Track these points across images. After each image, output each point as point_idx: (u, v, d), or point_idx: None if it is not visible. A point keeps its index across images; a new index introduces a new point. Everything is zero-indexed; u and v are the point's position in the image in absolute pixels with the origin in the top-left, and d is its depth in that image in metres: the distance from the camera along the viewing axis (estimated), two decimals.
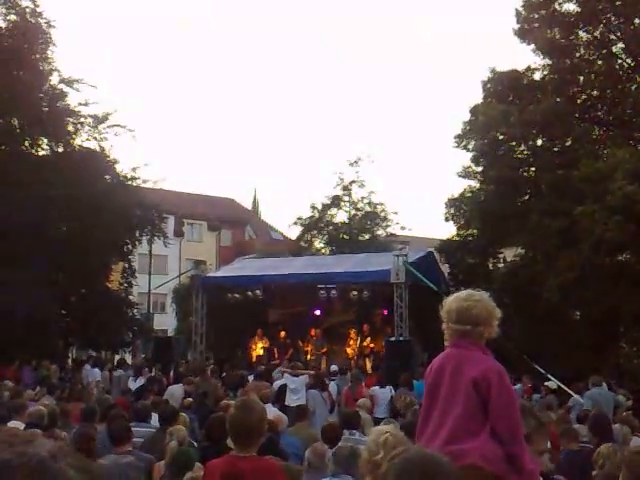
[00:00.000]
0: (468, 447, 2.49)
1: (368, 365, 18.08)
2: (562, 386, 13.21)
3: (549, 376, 13.65)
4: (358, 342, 19.03)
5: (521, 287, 17.44)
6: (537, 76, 20.53)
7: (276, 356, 18.83)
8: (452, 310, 2.77)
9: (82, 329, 19.84)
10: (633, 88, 19.99)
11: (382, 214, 32.26)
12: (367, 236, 31.95)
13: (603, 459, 5.25)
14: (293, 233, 34.34)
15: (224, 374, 15.18)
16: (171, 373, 15.58)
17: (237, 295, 19.38)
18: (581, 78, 19.97)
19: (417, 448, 1.87)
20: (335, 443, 5.35)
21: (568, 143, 19.64)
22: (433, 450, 2.34)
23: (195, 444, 6.29)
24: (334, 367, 15.35)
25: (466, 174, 21.54)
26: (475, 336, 2.70)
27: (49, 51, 19.83)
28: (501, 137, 19.54)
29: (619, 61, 20.14)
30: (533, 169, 20.03)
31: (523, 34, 19.92)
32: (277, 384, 12.23)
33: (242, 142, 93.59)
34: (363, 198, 32.12)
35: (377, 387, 12.38)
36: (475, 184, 21.46)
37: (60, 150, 20.17)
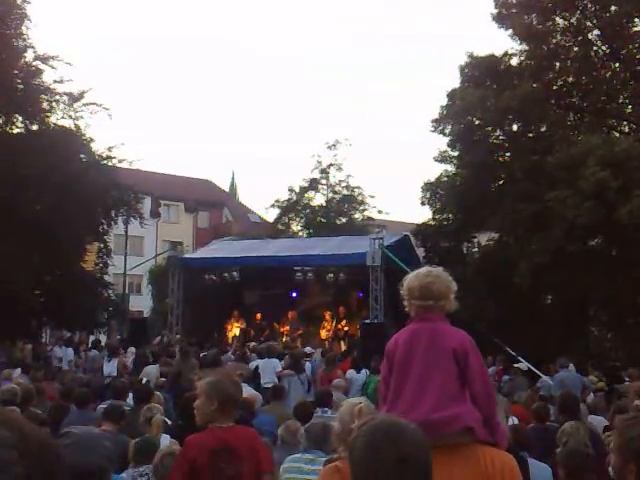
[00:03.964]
0: (460, 411, 2.59)
1: (343, 347, 18.25)
2: (532, 368, 13.49)
3: (520, 358, 13.93)
4: (333, 324, 19.19)
5: (494, 271, 17.69)
6: (514, 62, 20.65)
7: (252, 338, 18.91)
8: (414, 287, 2.86)
9: (56, 309, 19.71)
10: (607, 75, 20.23)
11: (359, 197, 32.40)
12: (344, 219, 32.08)
13: (567, 436, 5.43)
14: (270, 216, 34.40)
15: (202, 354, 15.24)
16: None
17: (213, 277, 19.38)
18: (557, 64, 20.12)
19: (383, 415, 1.96)
20: (307, 420, 5.47)
21: (543, 129, 19.85)
22: (415, 420, 2.48)
23: (169, 422, 6.36)
24: (309, 349, 15.48)
25: (443, 158, 21.66)
26: (437, 310, 2.81)
27: (24, 27, 19.44)
28: (477, 122, 19.66)
29: (594, 48, 20.34)
30: (508, 154, 20.24)
31: (501, 19, 20.01)
32: (252, 365, 12.33)
33: (220, 124, 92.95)
34: (341, 181, 32.24)
35: (353, 371, 12.47)
36: (451, 168, 21.61)
37: (35, 128, 19.87)
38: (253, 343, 16.58)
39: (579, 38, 19.99)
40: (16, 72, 19.04)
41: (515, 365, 13.12)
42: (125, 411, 6.12)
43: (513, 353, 14.37)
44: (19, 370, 11.41)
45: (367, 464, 1.62)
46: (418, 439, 1.65)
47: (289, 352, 13.72)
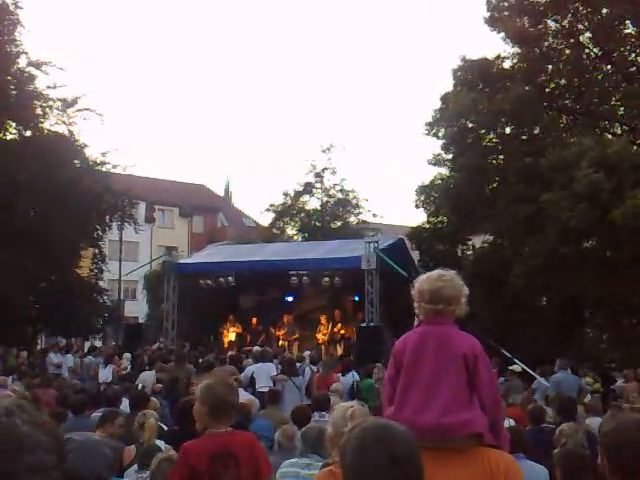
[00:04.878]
0: (470, 417, 2.62)
1: (339, 351, 18.24)
2: (527, 369, 13.50)
3: (515, 360, 13.94)
4: (329, 328, 19.18)
5: (489, 273, 17.71)
6: (507, 64, 20.69)
7: (248, 342, 18.90)
8: (425, 291, 2.86)
9: (51, 316, 19.65)
10: (599, 77, 20.30)
11: (354, 201, 32.46)
12: (339, 223, 32.13)
13: (565, 438, 5.44)
14: (265, 220, 34.40)
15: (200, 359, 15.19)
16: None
17: (209, 281, 19.38)
18: (549, 67, 20.18)
19: (373, 418, 1.96)
20: (304, 425, 5.45)
21: (536, 131, 19.88)
22: (424, 423, 2.50)
23: (165, 428, 6.34)
24: (307, 353, 15.44)
25: (436, 161, 21.70)
26: (448, 314, 2.82)
27: (17, 33, 19.43)
28: (471, 125, 19.71)
29: (586, 50, 20.41)
30: (501, 157, 20.27)
31: (493, 22, 20.06)
32: (249, 370, 12.28)
33: (215, 128, 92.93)
34: (335, 185, 32.30)
35: (339, 375, 12.46)
36: (445, 171, 21.65)
37: (28, 134, 19.85)
38: (256, 347, 16.52)
39: (571, 41, 20.05)
40: (9, 78, 19.03)
41: (510, 367, 13.15)
42: (120, 418, 6.11)
43: (509, 355, 14.39)
44: (14, 377, 11.38)
45: (359, 467, 1.61)
46: (409, 440, 1.66)
47: (282, 357, 13.70)
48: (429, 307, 2.84)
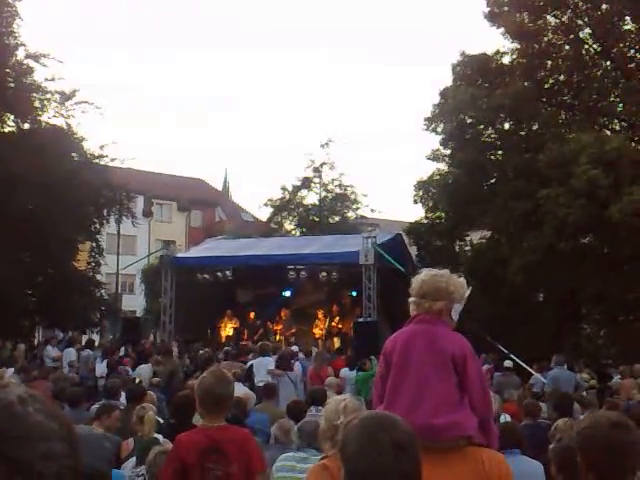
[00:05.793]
0: (459, 418, 2.61)
1: (336, 345, 18.28)
2: (524, 365, 13.53)
3: (512, 356, 13.97)
4: (326, 323, 19.21)
5: (487, 269, 17.73)
6: (506, 60, 20.68)
7: (245, 337, 18.92)
8: (413, 288, 2.88)
9: (49, 309, 19.64)
10: (599, 74, 20.28)
11: (352, 196, 32.45)
12: (337, 218, 32.13)
13: (561, 433, 5.45)
14: (263, 214, 34.41)
15: (191, 354, 15.22)
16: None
17: (207, 276, 19.36)
18: (549, 62, 20.18)
19: (369, 411, 1.96)
20: (300, 419, 5.46)
21: (535, 127, 19.88)
22: (414, 423, 2.49)
23: (162, 421, 6.35)
24: (295, 348, 15.46)
25: (435, 157, 21.69)
26: (436, 312, 2.81)
27: (15, 25, 19.34)
28: (469, 120, 19.68)
29: (586, 46, 20.39)
30: (500, 152, 20.28)
31: (493, 18, 20.02)
32: (248, 364, 12.29)
33: (212, 123, 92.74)
34: (333, 180, 32.28)
35: (346, 369, 12.53)
36: (444, 167, 21.63)
37: (26, 127, 19.79)
38: (261, 343, 16.52)
39: (570, 36, 20.03)
40: (7, 70, 18.94)
41: (505, 364, 13.17)
42: (117, 411, 6.12)
43: (505, 351, 14.43)
44: (12, 370, 11.38)
45: (365, 454, 1.60)
46: (409, 429, 1.67)
47: (279, 351, 13.72)
48: (417, 303, 2.84)
